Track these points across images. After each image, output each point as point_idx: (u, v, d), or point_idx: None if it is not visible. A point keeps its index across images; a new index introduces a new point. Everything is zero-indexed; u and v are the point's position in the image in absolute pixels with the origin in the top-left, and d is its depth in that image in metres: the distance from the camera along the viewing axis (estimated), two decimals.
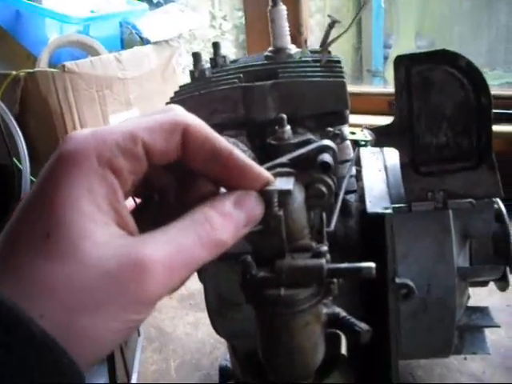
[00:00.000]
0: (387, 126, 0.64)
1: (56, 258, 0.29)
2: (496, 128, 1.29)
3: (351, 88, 1.64)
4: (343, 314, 0.46)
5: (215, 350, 0.89)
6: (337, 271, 0.43)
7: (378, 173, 0.69)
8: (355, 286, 0.65)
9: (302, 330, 0.44)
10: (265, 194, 0.44)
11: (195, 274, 0.53)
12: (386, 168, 0.70)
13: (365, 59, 3.06)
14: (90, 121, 1.16)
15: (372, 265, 0.43)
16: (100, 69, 1.17)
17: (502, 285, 0.74)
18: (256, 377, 0.70)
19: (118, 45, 1.35)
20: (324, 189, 0.48)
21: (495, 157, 1.24)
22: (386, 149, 0.74)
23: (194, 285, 1.01)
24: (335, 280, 0.44)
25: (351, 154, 0.64)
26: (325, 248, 0.45)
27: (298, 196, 0.47)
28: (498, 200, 0.73)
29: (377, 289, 0.62)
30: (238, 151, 0.39)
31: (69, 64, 1.11)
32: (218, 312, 0.66)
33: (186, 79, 0.68)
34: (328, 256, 0.44)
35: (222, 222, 0.35)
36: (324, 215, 0.49)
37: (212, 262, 0.66)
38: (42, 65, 1.14)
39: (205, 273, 0.66)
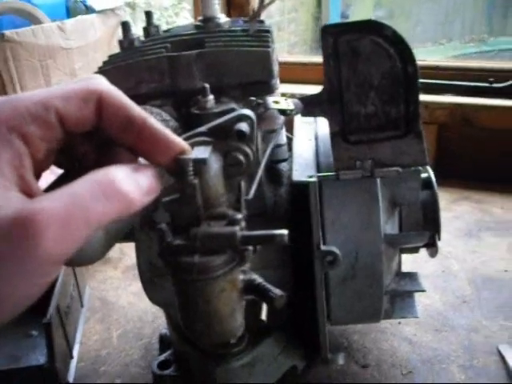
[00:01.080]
0: (316, 95, 0.65)
1: None
2: (443, 99, 1.31)
3: (309, 58, 1.63)
4: (259, 280, 0.47)
5: (157, 318, 0.90)
6: (250, 238, 0.44)
7: (308, 142, 0.69)
8: (286, 258, 0.66)
9: (217, 297, 0.45)
10: (179, 163, 0.45)
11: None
12: (316, 137, 0.71)
13: (324, 19, 3.06)
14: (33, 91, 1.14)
15: (284, 232, 0.44)
16: (42, 38, 1.14)
17: (432, 251, 0.76)
18: (190, 344, 0.71)
19: (62, 13, 1.31)
20: (241, 157, 0.49)
21: (437, 126, 1.26)
22: (319, 119, 0.75)
23: None
24: (250, 247, 0.45)
25: (279, 123, 0.65)
26: (240, 216, 0.45)
27: (215, 164, 0.47)
28: (428, 168, 0.75)
29: (305, 258, 0.63)
30: (153, 119, 0.40)
31: (9, 32, 1.08)
32: (151, 281, 0.67)
33: None
34: (243, 224, 0.45)
35: (127, 177, 0.34)
36: (242, 183, 0.49)
37: (144, 231, 0.67)
38: None
39: (137, 243, 0.66)
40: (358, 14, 3.22)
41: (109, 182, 0.33)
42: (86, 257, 0.50)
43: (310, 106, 0.65)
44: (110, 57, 0.65)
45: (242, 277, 0.46)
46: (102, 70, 0.61)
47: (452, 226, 1.12)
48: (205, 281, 0.44)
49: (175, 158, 0.43)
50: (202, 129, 0.50)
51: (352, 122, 0.65)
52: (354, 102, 0.65)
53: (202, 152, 0.47)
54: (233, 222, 0.45)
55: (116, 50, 0.68)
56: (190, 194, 0.45)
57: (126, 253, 1.08)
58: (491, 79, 1.29)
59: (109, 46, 1.27)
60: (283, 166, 0.70)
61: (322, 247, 0.61)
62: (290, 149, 0.71)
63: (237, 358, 0.67)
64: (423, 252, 0.77)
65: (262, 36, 0.61)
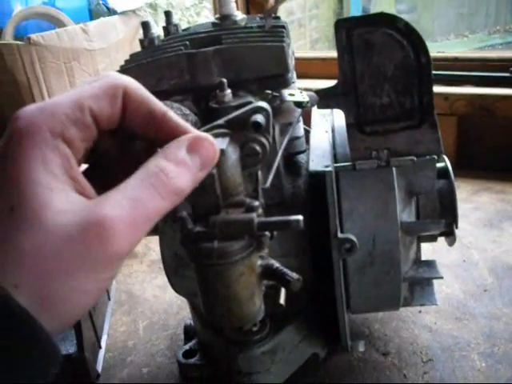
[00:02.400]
0: (332, 87, 0.66)
1: (22, 228, 0.31)
2: (462, 90, 1.31)
3: (329, 53, 1.64)
4: (276, 265, 0.49)
5: (181, 310, 0.92)
6: (266, 224, 0.46)
7: (324, 134, 0.71)
8: (305, 247, 0.68)
9: (236, 281, 0.47)
10: None
11: None
12: (333, 129, 0.72)
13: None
14: (59, 92, 1.17)
15: (299, 217, 0.46)
16: (67, 40, 1.18)
17: (450, 239, 0.77)
18: (214, 332, 0.73)
19: (85, 16, 1.35)
20: (258, 148, 0.51)
21: (457, 117, 1.27)
22: (335, 111, 0.77)
23: None
24: (267, 233, 0.47)
25: (296, 116, 0.66)
26: (257, 203, 0.47)
27: (232, 155, 0.49)
28: (445, 157, 0.76)
29: (324, 246, 0.65)
30: (173, 113, 0.42)
31: (34, 36, 1.12)
32: (175, 271, 0.69)
33: None
34: (260, 210, 0.47)
35: (177, 169, 0.37)
36: (260, 173, 0.51)
37: (168, 223, 0.69)
38: (7, 37, 1.15)
39: (161, 235, 0.69)
40: (379, 8, 3.22)
41: (163, 181, 0.36)
42: None
43: (325, 99, 0.67)
44: (132, 55, 0.67)
45: (259, 262, 0.48)
46: (124, 69, 0.64)
47: (473, 216, 1.12)
48: (224, 265, 0.46)
49: None
50: (220, 121, 0.52)
51: (367, 113, 0.66)
52: (368, 93, 0.66)
53: (220, 143, 0.49)
54: (250, 209, 0.47)
55: (138, 49, 0.70)
56: (209, 183, 0.47)
57: (151, 248, 1.11)
58: (511, 69, 1.29)
59: (130, 46, 1.30)
60: (301, 157, 0.71)
61: (339, 235, 0.63)
62: (307, 141, 0.73)
63: (258, 345, 0.69)
64: (444, 242, 0.78)
65: (277, 31, 0.63)
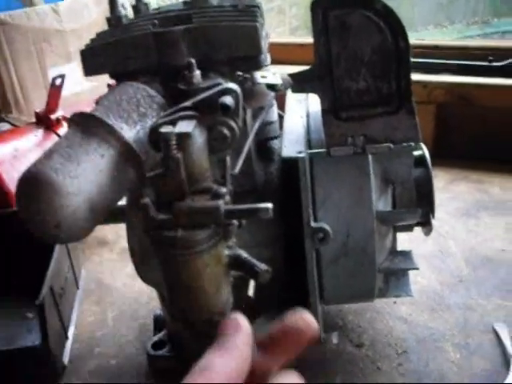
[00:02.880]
0: (306, 71, 0.64)
1: None
2: (441, 78, 1.30)
3: (309, 39, 1.62)
4: (244, 255, 0.46)
5: (152, 300, 0.90)
6: (234, 212, 0.44)
7: (299, 119, 0.69)
8: (277, 236, 0.66)
9: (201, 271, 0.45)
10: (162, 137, 0.44)
11: None
12: (308, 114, 0.70)
13: None
14: (28, 74, 1.13)
15: (269, 205, 0.43)
16: (36, 20, 1.14)
17: (427, 229, 0.75)
18: (184, 326, 0.71)
19: None
20: (226, 131, 0.49)
21: (435, 105, 1.25)
22: (311, 96, 0.75)
23: None
24: (234, 221, 0.45)
25: (271, 100, 0.64)
26: (224, 190, 0.45)
27: (199, 138, 0.47)
28: (422, 145, 0.74)
29: (297, 235, 0.63)
30: None
31: (2, 15, 1.08)
32: (142, 260, 0.67)
33: None
34: (227, 197, 0.45)
35: None
36: (228, 158, 0.49)
37: (133, 210, 0.66)
38: None
39: (127, 223, 0.66)
40: None
41: None
42: (72, 234, 0.49)
43: (300, 83, 0.64)
44: (98, 34, 0.64)
45: (227, 252, 0.46)
46: (89, 47, 0.61)
47: (450, 206, 1.11)
48: (188, 255, 0.44)
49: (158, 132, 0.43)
50: (187, 103, 0.50)
51: (343, 98, 0.64)
52: (344, 77, 0.64)
53: (185, 126, 0.46)
54: (216, 195, 0.45)
55: None
56: (174, 168, 0.44)
57: (121, 235, 1.07)
58: (490, 58, 1.28)
59: (103, 28, 1.25)
60: (274, 143, 0.69)
61: (313, 224, 0.61)
62: (281, 127, 0.70)
63: None
64: (420, 232, 0.76)
65: (251, 11, 0.60)
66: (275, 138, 0.68)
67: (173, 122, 0.47)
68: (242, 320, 0.37)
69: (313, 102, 0.72)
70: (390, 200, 0.70)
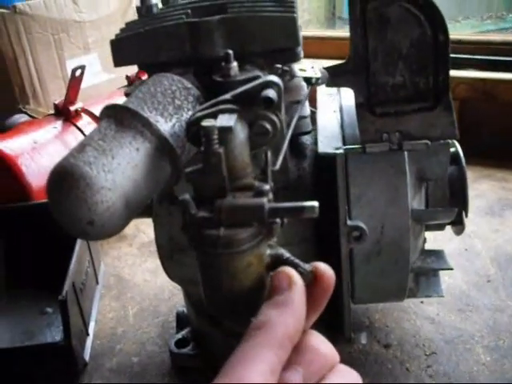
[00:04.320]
0: (342, 64, 0.62)
1: None
2: (464, 73, 1.27)
3: (325, 32, 1.60)
4: (287, 255, 0.45)
5: (173, 296, 0.88)
6: (278, 210, 0.42)
7: (332, 114, 0.67)
8: (309, 234, 0.64)
9: (243, 272, 0.43)
10: (204, 131, 0.42)
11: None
12: (341, 109, 0.68)
13: (338, 7, 3.01)
14: (46, 65, 1.12)
15: (315, 204, 0.41)
16: (55, 11, 1.12)
17: (458, 229, 0.74)
18: (211, 323, 0.70)
19: None
20: (268, 126, 0.47)
21: (458, 102, 1.23)
22: (342, 90, 0.73)
23: None
24: (278, 220, 0.43)
25: (305, 94, 0.62)
26: (267, 187, 0.43)
27: (241, 133, 0.45)
28: (456, 142, 0.72)
29: (330, 234, 0.61)
30: None
31: (20, 5, 1.06)
32: (170, 256, 0.65)
33: None
34: (270, 195, 0.43)
35: None
36: (269, 154, 0.47)
37: (163, 205, 0.65)
38: None
39: (156, 218, 0.65)
40: None
41: None
42: (105, 231, 0.48)
43: (335, 76, 0.62)
44: (128, 24, 0.62)
45: (268, 251, 0.44)
46: (119, 38, 0.59)
47: (474, 204, 1.08)
48: (230, 255, 0.42)
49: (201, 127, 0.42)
50: (227, 96, 0.48)
51: (379, 93, 0.62)
52: (381, 71, 0.62)
53: (227, 120, 0.45)
54: (260, 193, 0.43)
55: None
56: (215, 163, 0.43)
57: (141, 230, 1.07)
58: None
59: (123, 19, 1.24)
60: (306, 138, 0.67)
61: (349, 222, 0.59)
62: (313, 122, 0.68)
63: None
64: (445, 230, 0.74)
65: (288, 2, 0.59)
66: (307, 133, 0.66)
67: (213, 116, 0.45)
68: (295, 275, 0.37)
69: (345, 97, 0.70)
70: (424, 198, 0.68)
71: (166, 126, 0.49)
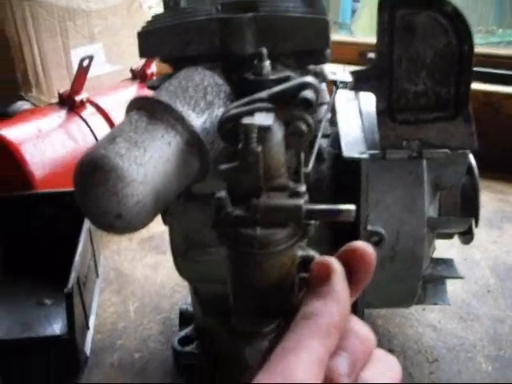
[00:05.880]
0: (366, 69, 0.62)
1: None
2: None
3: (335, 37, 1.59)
4: (318, 256, 0.44)
5: (175, 293, 0.88)
6: (315, 212, 0.42)
7: (353, 118, 0.67)
8: (326, 236, 0.64)
9: (277, 272, 0.43)
10: (243, 128, 0.42)
11: (158, 216, 0.51)
12: (361, 113, 0.68)
13: (333, 11, 3.02)
14: (51, 53, 1.10)
15: (352, 207, 0.41)
16: None
17: (467, 238, 0.74)
18: (218, 322, 0.69)
19: None
20: (304, 127, 0.46)
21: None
22: (361, 95, 0.73)
23: (155, 228, 0.99)
24: (312, 222, 0.43)
25: (327, 97, 0.62)
26: (303, 188, 0.43)
27: (278, 133, 0.44)
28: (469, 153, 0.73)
29: (347, 237, 0.61)
30: None
31: None
32: (184, 254, 0.64)
33: None
34: (306, 196, 0.43)
35: None
36: (302, 155, 0.47)
37: (179, 203, 0.64)
38: None
39: (171, 214, 0.64)
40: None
41: None
42: (131, 226, 0.47)
43: (358, 81, 0.63)
44: (155, 17, 0.61)
45: (300, 252, 0.44)
46: (147, 30, 0.58)
47: None
48: (265, 255, 0.42)
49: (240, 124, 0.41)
50: (262, 94, 0.47)
51: (400, 99, 0.63)
52: (404, 79, 0.62)
53: (265, 118, 0.44)
54: (296, 194, 0.42)
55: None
56: (252, 162, 0.42)
57: None
58: None
59: (128, 10, 1.22)
60: (323, 142, 0.67)
61: (369, 227, 0.59)
62: (330, 124, 0.68)
63: (268, 338, 0.65)
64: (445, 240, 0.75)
65: (317, 2, 0.58)
66: (326, 136, 0.65)
67: (249, 114, 0.45)
68: (334, 262, 0.36)
69: (364, 101, 0.71)
70: (437, 206, 0.69)
71: (197, 121, 0.49)
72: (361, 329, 0.36)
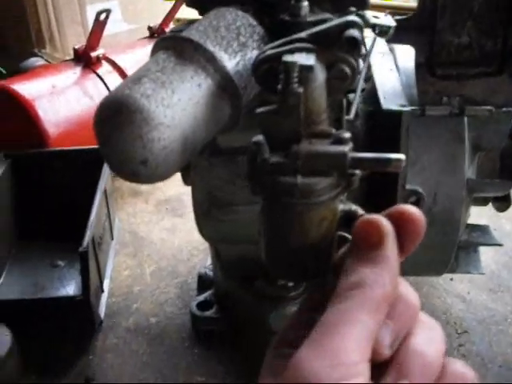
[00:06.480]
0: (405, 19, 0.58)
1: None
2: None
3: None
4: (361, 212, 0.41)
5: (193, 257, 0.85)
6: (362, 160, 0.38)
7: (389, 71, 0.63)
8: (358, 194, 0.60)
9: (317, 226, 0.39)
10: (284, 66, 0.38)
11: (176, 176, 0.47)
12: (398, 67, 0.64)
13: None
14: (66, 9, 1.06)
15: (402, 156, 0.38)
16: None
17: (503, 205, 0.70)
18: (241, 286, 0.66)
19: None
20: (348, 70, 0.43)
21: None
22: (396, 49, 0.68)
23: (171, 190, 0.96)
24: (357, 171, 0.39)
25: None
26: (347, 135, 0.39)
27: (320, 74, 0.40)
28: None
29: (382, 196, 0.58)
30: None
31: None
32: (206, 212, 0.61)
33: None
34: (351, 144, 0.39)
35: None
36: (344, 101, 0.43)
37: (203, 157, 0.61)
38: None
39: (195, 169, 0.60)
40: None
41: None
42: (157, 174, 0.43)
43: (396, 33, 0.58)
44: None
45: (342, 206, 0.40)
46: None
47: None
48: (306, 205, 0.38)
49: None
50: (302, 34, 0.43)
51: (441, 53, 0.58)
52: (447, 30, 0.58)
53: (306, 58, 0.40)
54: (340, 140, 0.39)
55: None
56: (293, 104, 0.38)
57: (157, 186, 1.02)
58: None
59: None
60: (351, 96, 0.63)
61: (407, 186, 0.55)
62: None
63: (294, 303, 0.62)
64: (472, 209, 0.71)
65: None
66: (353, 91, 0.61)
67: (289, 53, 0.41)
68: (386, 224, 0.32)
69: (400, 56, 0.66)
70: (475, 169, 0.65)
71: (229, 63, 0.45)
72: (408, 294, 0.32)
